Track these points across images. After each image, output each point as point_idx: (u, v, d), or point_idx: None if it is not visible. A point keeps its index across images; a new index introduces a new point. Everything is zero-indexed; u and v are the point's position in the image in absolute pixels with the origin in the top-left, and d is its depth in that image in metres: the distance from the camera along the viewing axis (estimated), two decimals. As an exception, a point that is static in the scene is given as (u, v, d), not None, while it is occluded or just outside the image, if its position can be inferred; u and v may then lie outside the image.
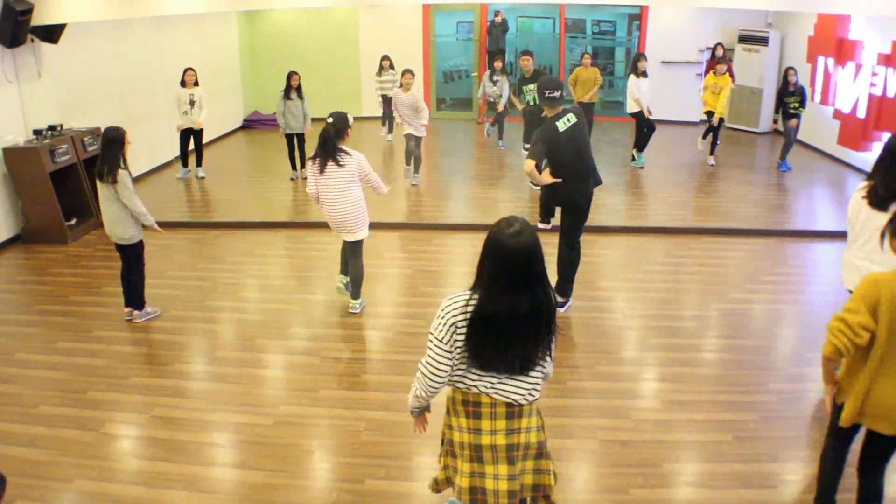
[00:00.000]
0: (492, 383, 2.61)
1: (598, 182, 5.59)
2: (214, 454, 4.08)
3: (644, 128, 10.20)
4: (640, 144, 10.34)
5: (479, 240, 8.13)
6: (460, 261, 7.04)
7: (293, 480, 3.82)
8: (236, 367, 5.03)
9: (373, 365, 5.05)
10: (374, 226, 7.55)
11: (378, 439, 4.15)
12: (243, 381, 4.83)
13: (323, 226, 7.77)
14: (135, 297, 5.70)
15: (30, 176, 7.43)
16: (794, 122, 9.77)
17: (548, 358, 2.63)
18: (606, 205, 8.71)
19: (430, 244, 7.43)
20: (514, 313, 2.46)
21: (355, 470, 3.88)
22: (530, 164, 5.18)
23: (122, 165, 5.31)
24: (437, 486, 3.00)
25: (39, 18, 7.35)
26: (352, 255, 5.74)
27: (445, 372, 2.62)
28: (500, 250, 2.45)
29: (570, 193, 5.50)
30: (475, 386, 2.63)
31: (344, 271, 5.93)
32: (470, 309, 2.52)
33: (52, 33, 7.66)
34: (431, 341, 2.60)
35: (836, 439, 3.22)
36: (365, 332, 5.57)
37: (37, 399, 4.60)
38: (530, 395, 2.64)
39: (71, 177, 7.92)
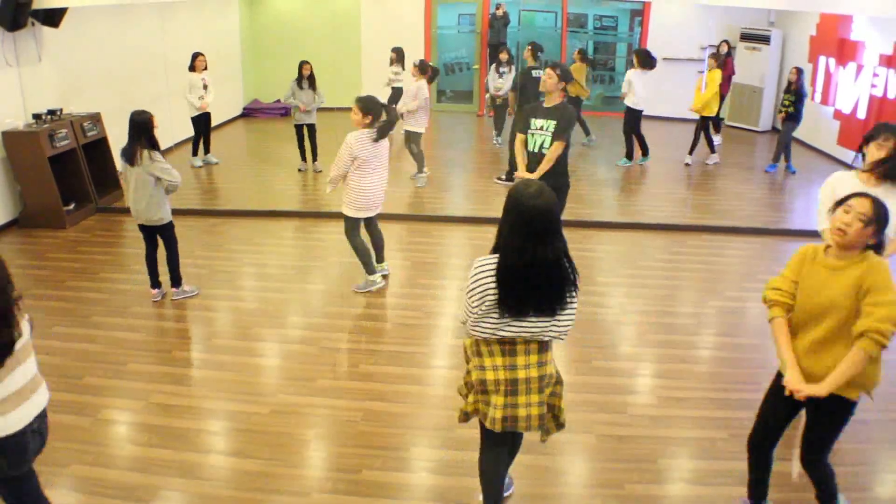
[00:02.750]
0: (527, 328, 2.84)
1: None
2: (211, 442, 4.09)
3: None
4: (644, 146, 10.27)
5: (478, 232, 8.06)
6: (459, 253, 7.04)
7: (289, 469, 3.83)
8: (234, 355, 5.04)
9: (370, 355, 5.06)
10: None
11: (375, 429, 4.16)
12: (240, 370, 4.84)
13: (325, 215, 7.81)
14: (172, 276, 5.84)
15: (29, 160, 7.39)
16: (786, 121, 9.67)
17: (574, 293, 2.85)
18: (604, 200, 8.72)
19: (429, 236, 7.43)
20: (534, 264, 2.71)
21: (351, 460, 3.90)
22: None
23: (152, 147, 5.39)
24: (465, 418, 3.18)
25: (41, 2, 7.28)
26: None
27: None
28: (520, 209, 2.72)
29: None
30: (515, 336, 2.86)
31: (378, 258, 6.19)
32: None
33: (53, 17, 7.61)
34: (467, 303, 2.89)
35: None
36: (363, 322, 5.57)
37: (34, 383, 4.59)
38: (566, 332, 2.92)
39: (70, 162, 7.88)
